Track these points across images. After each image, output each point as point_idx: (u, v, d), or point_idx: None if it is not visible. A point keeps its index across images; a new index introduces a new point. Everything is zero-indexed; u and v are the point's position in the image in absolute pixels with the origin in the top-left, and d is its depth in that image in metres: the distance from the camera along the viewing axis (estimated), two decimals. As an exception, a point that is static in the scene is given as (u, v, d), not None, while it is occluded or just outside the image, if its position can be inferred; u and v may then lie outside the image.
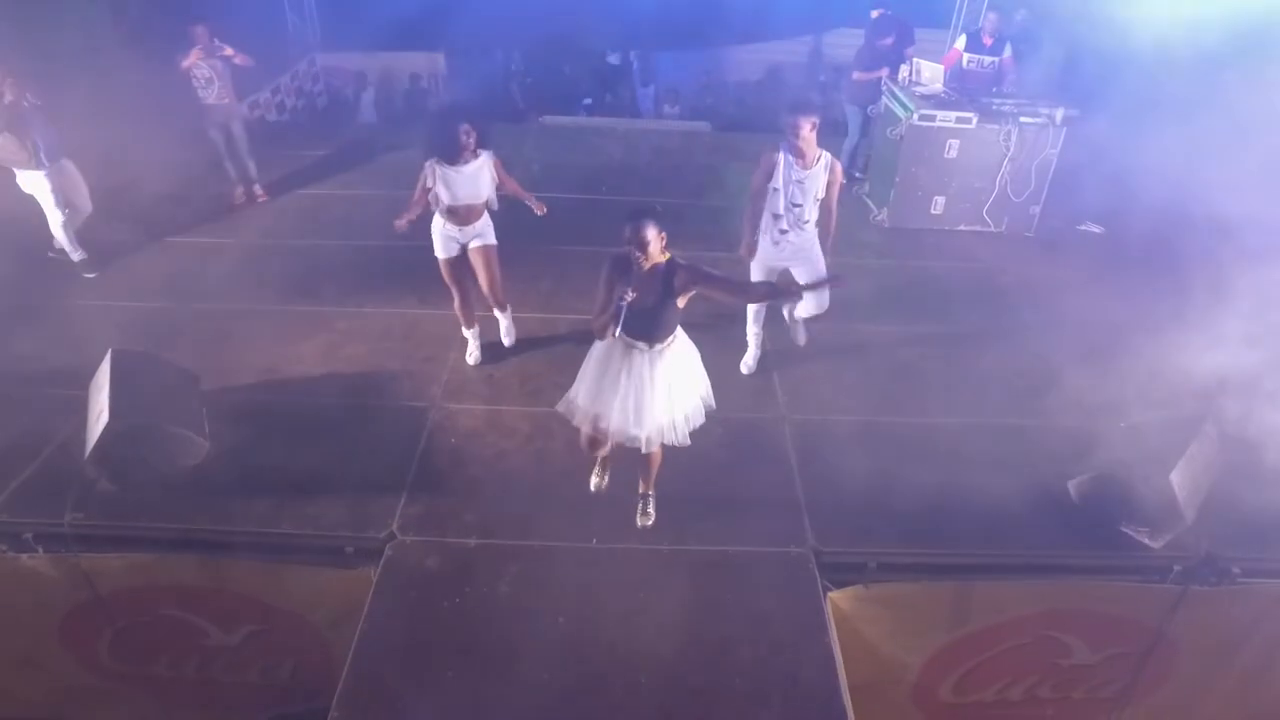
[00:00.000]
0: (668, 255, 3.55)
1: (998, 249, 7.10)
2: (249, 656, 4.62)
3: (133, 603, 4.37)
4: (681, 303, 3.63)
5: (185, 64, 6.77)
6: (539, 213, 5.01)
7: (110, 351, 4.54)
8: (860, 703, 4.06)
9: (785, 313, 5.39)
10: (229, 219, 7.25)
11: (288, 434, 4.68)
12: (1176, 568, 4.19)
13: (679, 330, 3.74)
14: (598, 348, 3.81)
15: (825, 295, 5.14)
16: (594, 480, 4.33)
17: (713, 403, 3.96)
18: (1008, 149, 6.99)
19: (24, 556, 4.12)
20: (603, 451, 4.11)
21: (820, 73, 13.20)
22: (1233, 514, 4.28)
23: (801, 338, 5.40)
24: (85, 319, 5.72)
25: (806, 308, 5.22)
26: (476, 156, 4.73)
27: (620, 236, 3.47)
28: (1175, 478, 4.08)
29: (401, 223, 4.66)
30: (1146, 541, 4.21)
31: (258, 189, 7.56)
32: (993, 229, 7.34)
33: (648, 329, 3.64)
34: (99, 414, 4.23)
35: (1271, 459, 4.52)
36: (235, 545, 4.14)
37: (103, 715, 4.99)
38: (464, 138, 4.64)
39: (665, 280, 3.56)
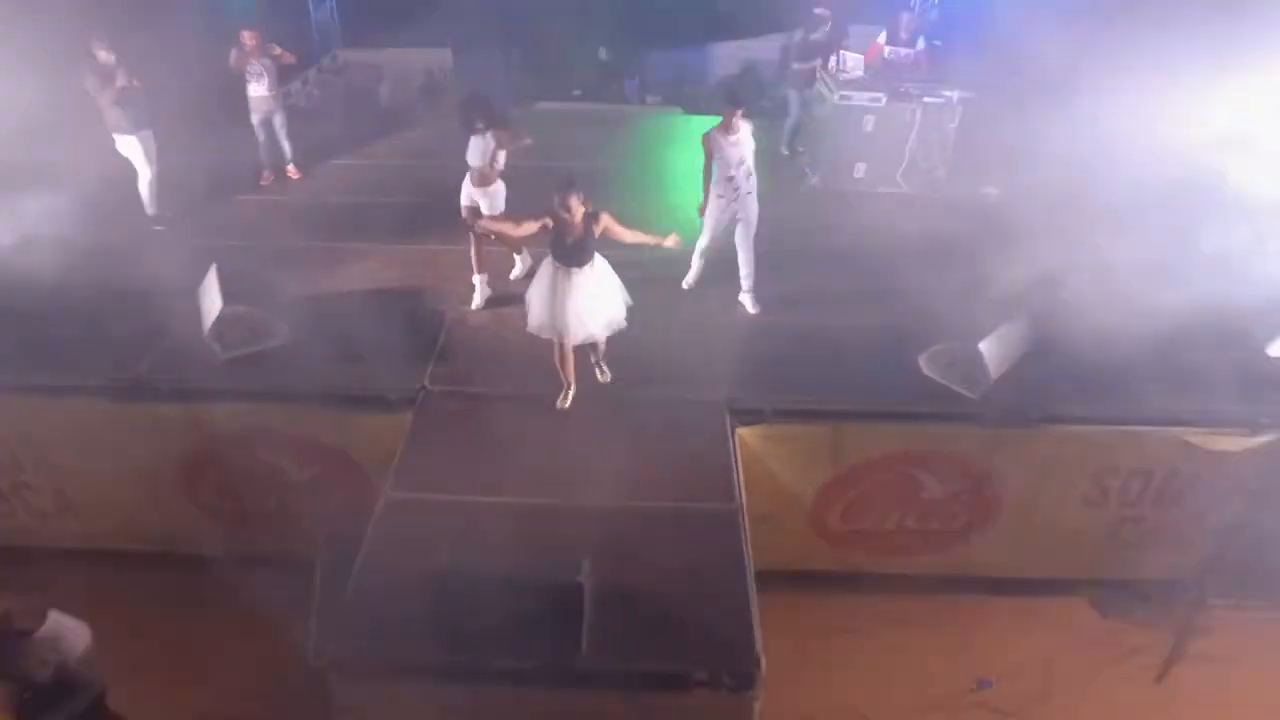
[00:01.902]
0: (584, 209, 5.12)
1: (907, 206, 8.58)
2: (314, 491, 6.16)
3: (236, 448, 5.96)
4: (596, 236, 5.22)
5: (237, 64, 8.21)
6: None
7: (213, 265, 6.17)
8: (769, 528, 5.61)
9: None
10: (279, 184, 8.92)
11: (343, 327, 6.19)
12: (989, 417, 5.73)
13: (596, 254, 5.33)
14: (543, 276, 5.34)
15: (751, 250, 6.66)
16: (559, 402, 5.64)
17: (629, 299, 5.52)
18: (914, 123, 8.58)
19: (162, 406, 5.74)
20: (571, 367, 5.62)
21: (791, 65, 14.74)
22: (1038, 374, 5.84)
23: (752, 307, 6.83)
24: (177, 255, 7.29)
25: (747, 275, 6.73)
26: (483, 133, 6.31)
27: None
28: (983, 347, 5.71)
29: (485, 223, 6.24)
30: (966, 393, 5.80)
31: (291, 168, 9.01)
32: (905, 190, 8.92)
33: (577, 257, 5.24)
34: (212, 305, 5.86)
35: (1067, 334, 6.02)
36: (308, 397, 5.74)
37: (203, 546, 6.42)
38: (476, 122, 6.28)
39: (586, 225, 5.16)
